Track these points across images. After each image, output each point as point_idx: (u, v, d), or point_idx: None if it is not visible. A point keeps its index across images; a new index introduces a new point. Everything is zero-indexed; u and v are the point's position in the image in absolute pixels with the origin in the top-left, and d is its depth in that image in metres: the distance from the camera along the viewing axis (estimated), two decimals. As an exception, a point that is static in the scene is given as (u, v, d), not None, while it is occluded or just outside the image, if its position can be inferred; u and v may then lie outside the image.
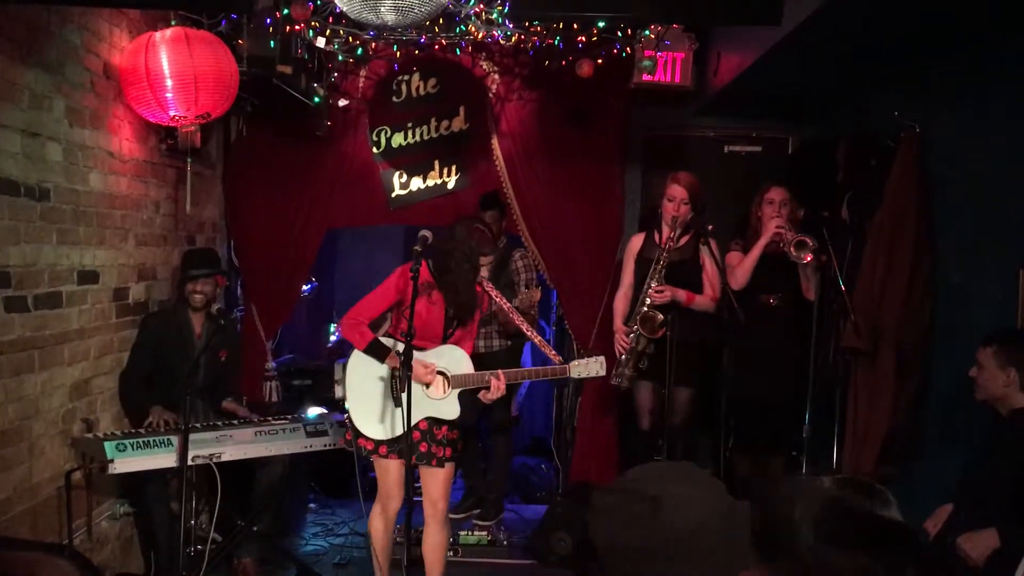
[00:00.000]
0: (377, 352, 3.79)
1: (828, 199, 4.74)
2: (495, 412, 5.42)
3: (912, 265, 4.03)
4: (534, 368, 4.04)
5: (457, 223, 3.86)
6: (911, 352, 4.08)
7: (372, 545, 3.99)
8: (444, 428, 3.82)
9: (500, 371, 3.79)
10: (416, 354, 3.63)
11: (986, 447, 3.42)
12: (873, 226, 4.22)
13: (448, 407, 3.78)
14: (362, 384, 3.84)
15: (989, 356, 3.29)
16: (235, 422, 4.37)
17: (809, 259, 4.37)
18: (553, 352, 4.07)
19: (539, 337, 4.11)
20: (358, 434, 3.82)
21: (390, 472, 3.86)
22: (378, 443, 3.80)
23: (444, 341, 3.84)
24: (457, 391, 3.78)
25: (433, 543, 3.95)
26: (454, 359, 3.79)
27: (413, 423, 3.68)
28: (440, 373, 3.77)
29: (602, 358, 3.89)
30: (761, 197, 4.69)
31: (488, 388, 3.79)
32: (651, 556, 1.26)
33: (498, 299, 4.12)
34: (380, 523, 3.98)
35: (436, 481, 3.87)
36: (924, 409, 4.10)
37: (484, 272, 3.83)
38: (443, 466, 3.84)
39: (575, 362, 3.88)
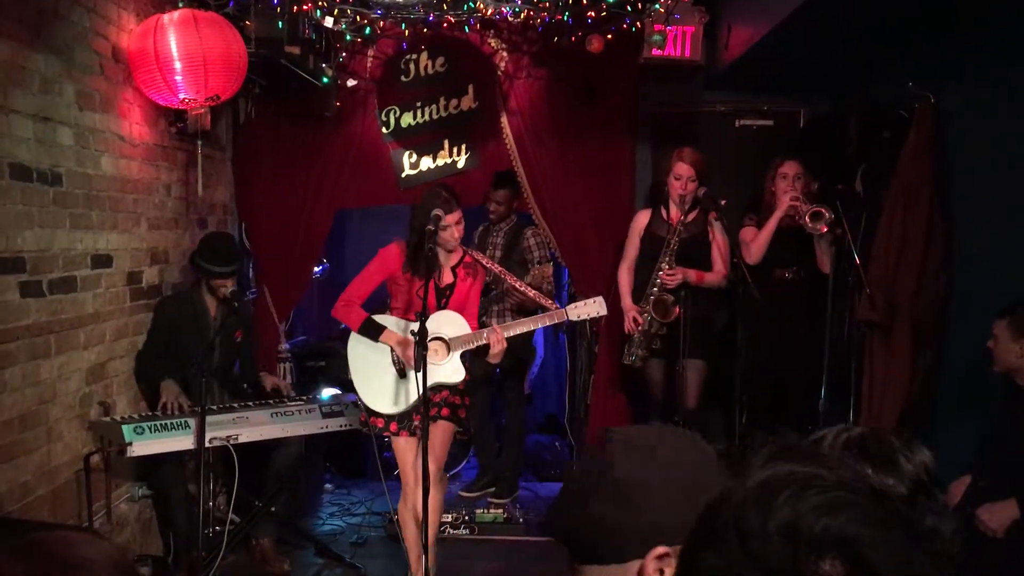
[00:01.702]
0: (371, 332, 3.82)
1: (842, 172, 4.71)
2: (508, 391, 5.44)
3: (927, 237, 4.01)
4: (532, 317, 3.99)
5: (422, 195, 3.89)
6: (926, 324, 4.07)
7: (403, 538, 3.98)
8: (444, 392, 3.83)
9: (496, 325, 3.80)
10: (405, 324, 3.76)
11: (1003, 418, 3.41)
12: (887, 198, 4.19)
13: (452, 371, 3.77)
14: (364, 362, 3.87)
15: (1004, 328, 3.29)
16: (250, 404, 4.38)
17: (825, 230, 4.35)
18: (550, 301, 4.06)
19: (533, 291, 4.08)
20: (370, 413, 3.85)
21: (401, 447, 3.88)
22: (388, 419, 3.82)
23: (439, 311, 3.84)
24: (458, 353, 3.78)
25: (433, 505, 3.86)
26: (448, 323, 3.78)
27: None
28: (438, 339, 3.75)
29: (600, 298, 3.86)
30: (775, 171, 4.67)
31: (490, 344, 3.76)
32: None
33: (489, 264, 4.09)
34: (406, 514, 3.94)
35: (437, 442, 3.83)
36: (940, 381, 4.09)
37: (457, 233, 3.77)
38: (436, 422, 3.81)
39: (571, 305, 3.87)
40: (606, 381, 5.44)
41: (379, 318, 3.86)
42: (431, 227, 3.62)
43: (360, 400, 3.90)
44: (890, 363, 4.13)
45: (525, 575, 4.32)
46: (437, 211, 3.69)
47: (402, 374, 3.80)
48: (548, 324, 4.04)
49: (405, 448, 3.88)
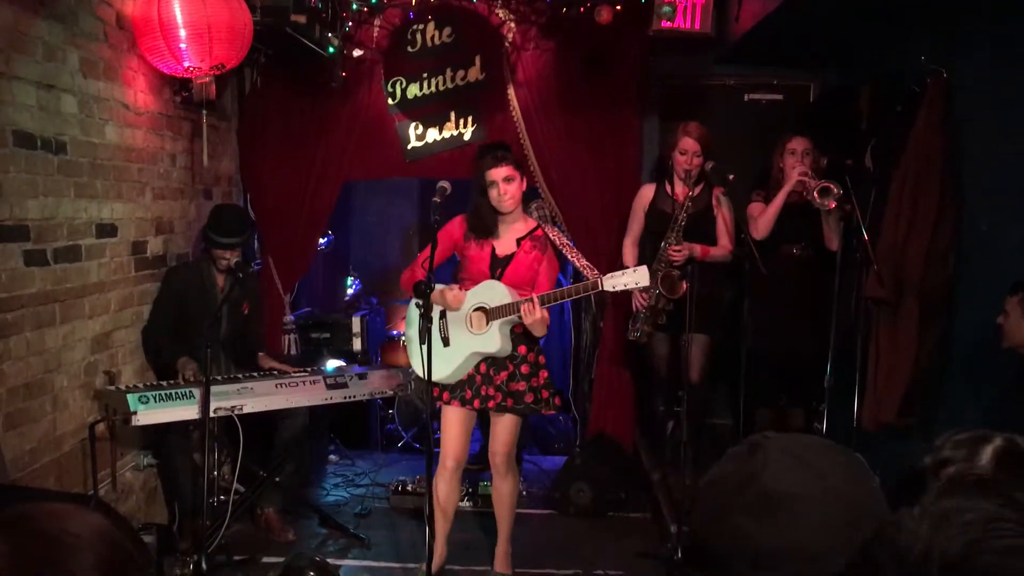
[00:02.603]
0: (419, 293, 3.75)
1: (851, 147, 4.67)
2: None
3: (937, 213, 3.97)
4: (567, 287, 3.78)
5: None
6: (934, 302, 4.04)
7: (434, 510, 3.93)
8: (504, 374, 3.77)
9: (535, 295, 3.60)
10: (457, 293, 3.75)
11: (1010, 395, 3.40)
12: (898, 174, 4.15)
13: (489, 340, 3.69)
14: (416, 329, 3.83)
15: (1015, 304, 3.26)
16: (255, 374, 4.39)
17: (833, 206, 4.31)
18: (594, 271, 3.73)
19: (583, 260, 3.84)
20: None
21: (447, 419, 3.88)
22: (441, 388, 3.82)
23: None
24: (498, 323, 3.68)
25: (496, 494, 4.03)
26: (491, 293, 3.70)
27: (471, 365, 3.77)
28: (480, 308, 3.72)
29: (643, 268, 3.54)
30: (783, 147, 4.63)
31: (522, 312, 3.61)
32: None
33: (555, 236, 3.89)
34: (440, 485, 3.93)
35: (496, 429, 3.88)
36: (947, 358, 4.08)
37: (505, 191, 3.68)
38: (501, 414, 3.83)
39: (609, 275, 3.54)
40: (611, 356, 5.44)
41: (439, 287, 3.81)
42: (436, 199, 3.59)
43: (412, 368, 3.96)
44: (897, 340, 4.11)
45: (527, 547, 4.33)
46: (483, 168, 3.70)
47: (446, 342, 3.77)
48: (583, 295, 3.74)
49: (451, 419, 3.87)
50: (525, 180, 3.83)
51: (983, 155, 3.88)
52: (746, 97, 5.65)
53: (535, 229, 3.84)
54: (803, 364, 4.66)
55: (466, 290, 3.78)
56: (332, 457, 5.73)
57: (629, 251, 4.84)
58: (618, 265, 4.92)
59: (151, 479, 4.41)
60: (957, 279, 4.01)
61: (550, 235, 3.86)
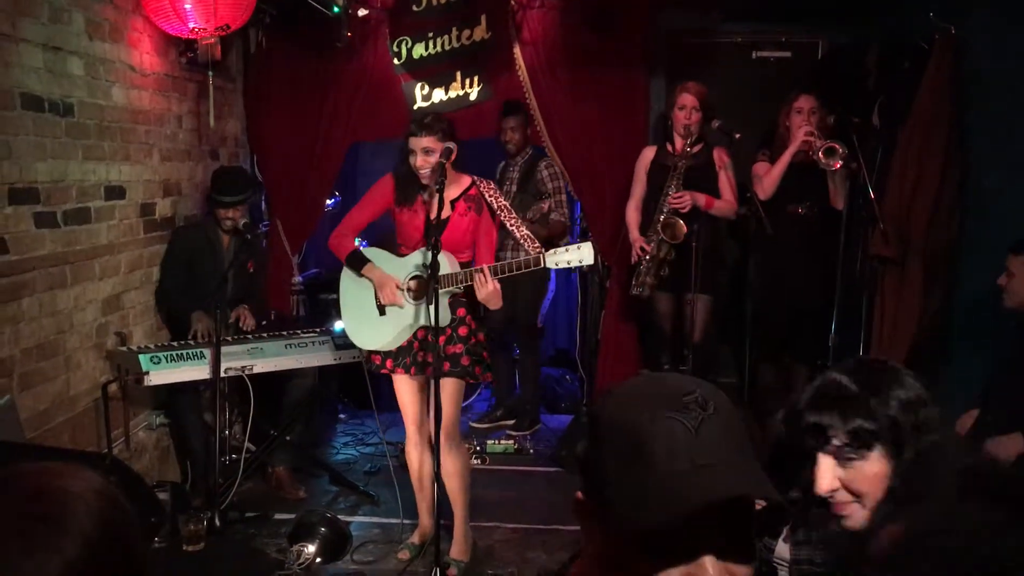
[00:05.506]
0: (355, 264, 3.67)
1: (859, 105, 4.64)
2: (520, 327, 5.44)
3: (943, 171, 3.97)
4: (511, 262, 3.44)
5: None
6: (939, 259, 4.05)
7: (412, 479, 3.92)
8: (441, 338, 3.49)
9: (485, 266, 3.40)
10: (388, 257, 3.63)
11: (1012, 353, 3.41)
12: (904, 132, 4.14)
13: (430, 312, 3.33)
14: (351, 297, 3.75)
15: (1019, 264, 3.26)
16: (263, 335, 4.43)
17: (838, 166, 4.29)
18: (535, 245, 3.42)
19: (524, 231, 3.49)
20: (368, 351, 3.72)
21: (398, 387, 3.73)
22: (384, 357, 3.66)
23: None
24: (440, 292, 3.39)
25: (445, 471, 3.56)
26: (429, 261, 3.35)
27: (409, 333, 3.57)
28: (418, 276, 3.57)
29: (587, 244, 3.34)
30: (789, 106, 4.59)
31: (474, 285, 3.40)
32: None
33: (491, 197, 3.59)
34: (411, 452, 3.82)
35: (441, 397, 3.41)
36: (951, 315, 4.09)
37: (421, 162, 3.47)
38: (441, 379, 3.48)
39: (552, 251, 3.35)
40: (617, 315, 5.46)
41: (367, 251, 3.71)
42: (442, 159, 3.45)
43: (347, 336, 3.78)
44: (902, 298, 4.13)
45: (534, 504, 4.40)
46: (408, 132, 3.52)
47: (381, 311, 3.63)
48: (526, 271, 3.43)
49: (402, 388, 3.72)
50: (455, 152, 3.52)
51: (990, 113, 3.87)
52: (754, 55, 5.59)
53: (469, 188, 3.61)
54: (808, 322, 4.67)
55: (403, 255, 3.64)
56: (341, 416, 5.79)
57: (632, 215, 4.83)
58: (624, 226, 4.94)
59: (164, 438, 4.47)
60: (962, 237, 4.02)
61: (486, 195, 3.60)
